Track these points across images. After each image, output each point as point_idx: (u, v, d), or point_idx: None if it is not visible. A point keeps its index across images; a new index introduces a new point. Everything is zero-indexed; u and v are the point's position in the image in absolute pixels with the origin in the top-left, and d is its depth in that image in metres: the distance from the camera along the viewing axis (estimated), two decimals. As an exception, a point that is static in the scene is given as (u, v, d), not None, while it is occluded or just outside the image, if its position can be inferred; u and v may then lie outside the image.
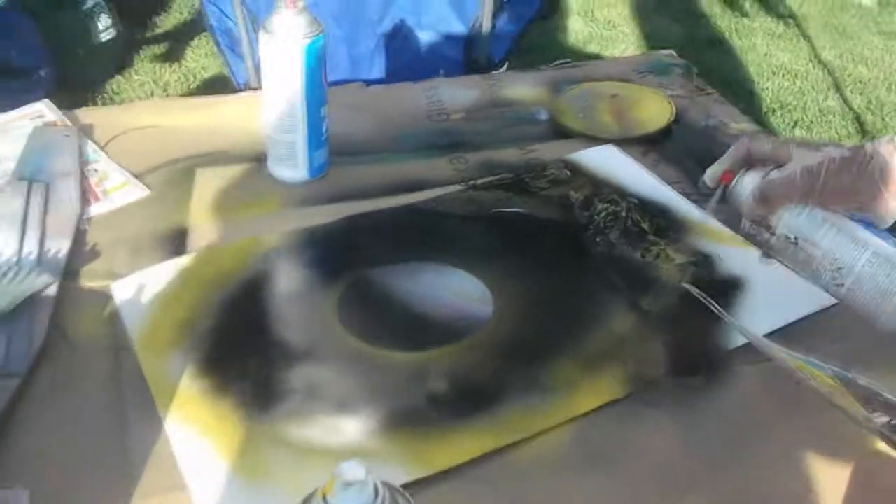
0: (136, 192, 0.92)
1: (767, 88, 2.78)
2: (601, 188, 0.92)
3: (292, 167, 0.94)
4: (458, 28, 1.69)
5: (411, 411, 0.68)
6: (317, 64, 0.88)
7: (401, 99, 1.11)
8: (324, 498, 0.40)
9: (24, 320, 0.73)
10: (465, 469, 0.64)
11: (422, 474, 0.63)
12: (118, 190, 0.92)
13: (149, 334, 0.75)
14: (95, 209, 0.89)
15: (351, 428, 0.67)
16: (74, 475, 0.63)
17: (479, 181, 0.95)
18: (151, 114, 1.06)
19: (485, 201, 0.92)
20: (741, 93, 2.71)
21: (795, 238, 0.75)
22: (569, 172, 0.95)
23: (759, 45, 3.05)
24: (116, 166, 0.95)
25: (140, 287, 0.79)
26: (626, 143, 1.00)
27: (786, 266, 0.78)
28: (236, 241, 0.86)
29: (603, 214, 0.87)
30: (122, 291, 0.79)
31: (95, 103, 2.48)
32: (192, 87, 2.67)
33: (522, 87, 1.13)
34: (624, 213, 0.87)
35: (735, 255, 0.83)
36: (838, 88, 2.79)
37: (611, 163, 0.97)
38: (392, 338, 0.75)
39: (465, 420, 0.68)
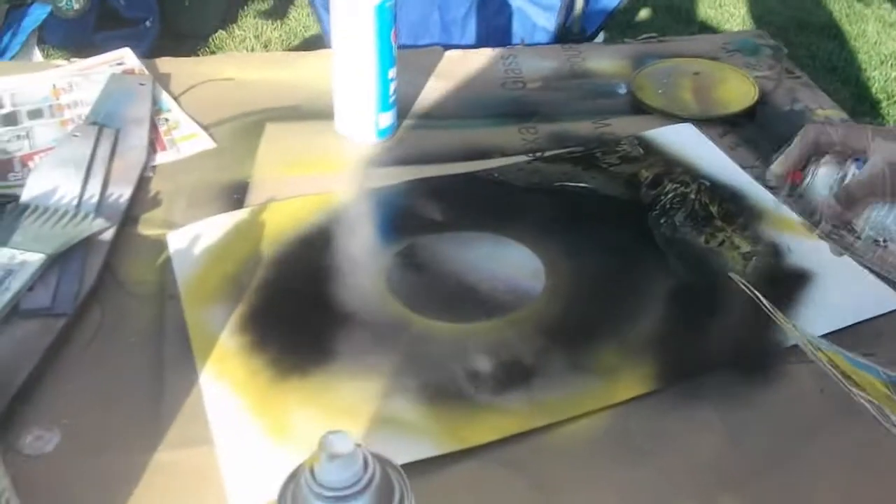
0: (204, 143, 0.92)
1: (874, 77, 2.65)
2: (673, 168, 0.89)
3: (359, 127, 0.93)
4: (553, -5, 1.65)
5: (448, 384, 0.66)
6: (386, 25, 0.87)
7: (478, 66, 1.09)
8: (311, 471, 0.39)
9: (76, 262, 0.74)
10: (494, 449, 0.62)
11: (450, 449, 0.62)
12: (186, 140, 0.93)
13: (196, 285, 0.75)
14: (161, 158, 0.90)
15: (384, 395, 0.66)
16: (107, 419, 0.64)
17: (547, 153, 0.92)
18: (230, 67, 1.07)
19: (550, 174, 0.89)
20: (847, 80, 2.59)
21: (885, 241, 0.70)
22: (642, 150, 0.92)
23: (870, 31, 2.91)
24: (187, 117, 0.96)
25: (194, 238, 0.79)
26: (705, 122, 0.96)
27: (868, 268, 0.73)
28: (293, 197, 0.85)
29: (671, 195, 0.84)
30: (177, 241, 0.79)
31: (197, 56, 2.53)
32: (292, 44, 2.69)
33: (604, 60, 1.10)
34: (693, 196, 0.83)
35: (805, 248, 0.79)
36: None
37: (687, 142, 0.93)
38: (437, 307, 0.73)
39: (501, 397, 0.66)
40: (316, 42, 2.56)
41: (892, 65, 2.71)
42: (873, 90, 2.59)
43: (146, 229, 0.81)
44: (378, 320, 0.72)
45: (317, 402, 0.65)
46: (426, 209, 0.85)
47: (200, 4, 2.62)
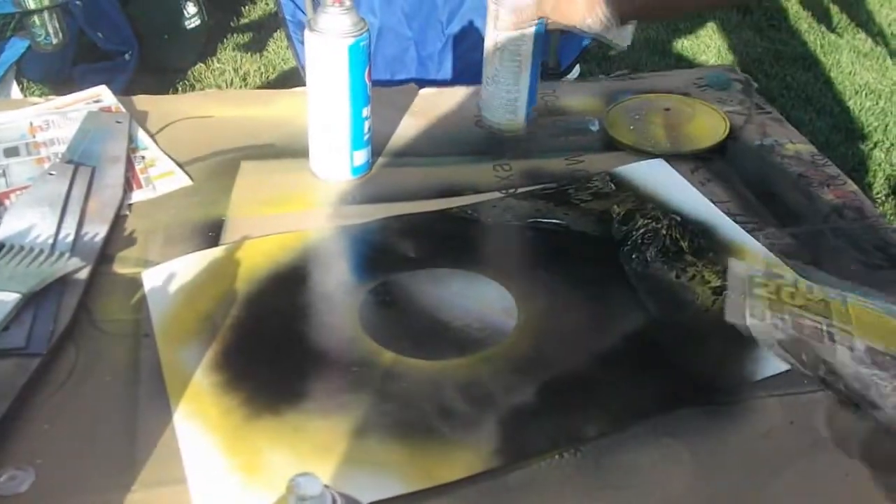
0: (180, 180, 0.93)
1: (849, 107, 2.69)
2: (644, 203, 0.90)
3: (333, 166, 0.94)
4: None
5: (419, 421, 0.67)
6: (360, 64, 0.88)
7: (452, 103, 1.10)
8: (281, 513, 0.40)
9: (51, 302, 0.74)
10: (465, 486, 0.63)
11: (421, 486, 0.63)
12: (163, 178, 0.93)
13: (170, 324, 0.75)
14: (137, 196, 0.90)
15: (355, 433, 0.66)
16: (81, 458, 0.64)
17: (520, 190, 0.93)
18: (208, 104, 1.08)
19: (523, 210, 0.90)
20: (823, 111, 2.63)
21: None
22: (613, 186, 0.93)
23: (843, 62, 2.96)
24: (163, 155, 0.97)
25: (169, 276, 0.80)
26: (676, 158, 0.98)
27: None
28: (268, 236, 0.86)
29: (642, 231, 0.85)
30: (152, 279, 0.80)
31: (176, 90, 2.54)
32: (270, 77, 2.71)
33: (577, 97, 1.11)
34: (664, 231, 0.85)
35: None
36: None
37: (658, 178, 0.95)
38: (410, 344, 0.74)
39: (473, 435, 0.66)
40: (293, 75, 2.57)
41: (866, 94, 2.76)
42: (848, 120, 2.63)
43: (121, 268, 0.81)
44: (351, 358, 0.73)
45: (289, 442, 0.65)
46: (400, 246, 0.86)
47: (179, 38, 2.64)
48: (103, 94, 1.05)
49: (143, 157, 0.96)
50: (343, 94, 0.89)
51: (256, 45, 2.86)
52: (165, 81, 2.54)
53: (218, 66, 2.75)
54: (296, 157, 0.98)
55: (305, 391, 0.70)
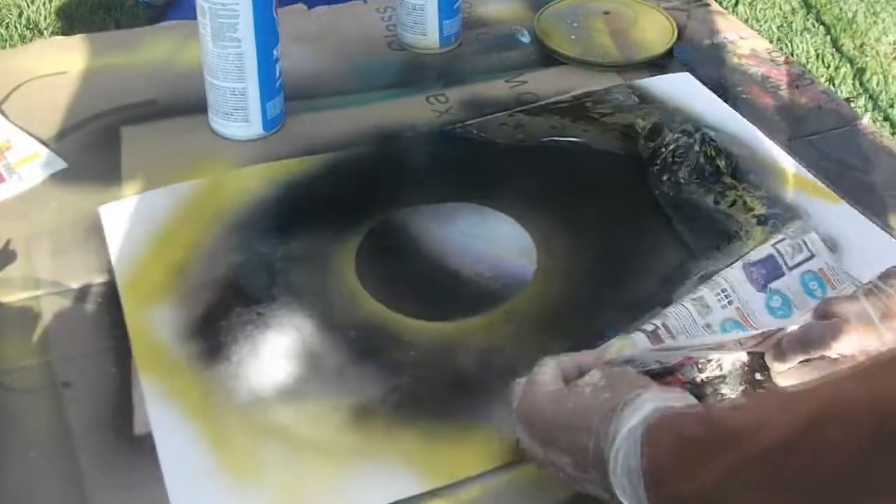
0: (50, 164, 0.74)
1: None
2: (673, 116, 0.79)
3: (242, 122, 0.77)
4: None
5: (432, 400, 0.57)
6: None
7: (352, 23, 0.94)
8: None
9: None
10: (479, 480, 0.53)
11: (437, 484, 0.52)
12: (26, 163, 0.75)
13: (136, 277, 0.64)
14: (1, 192, 0.71)
15: (357, 420, 0.56)
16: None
17: (531, 105, 0.81)
18: (55, 56, 0.87)
19: (536, 128, 0.79)
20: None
21: None
22: (637, 98, 0.82)
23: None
24: (19, 131, 0.77)
25: (132, 215, 0.68)
26: (629, 69, 0.86)
27: None
28: (247, 168, 0.74)
29: (672, 147, 0.74)
30: (112, 215, 0.68)
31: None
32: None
33: (496, 3, 0.97)
34: (696, 148, 0.74)
35: (826, 211, 0.70)
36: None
37: (686, 91, 0.83)
38: (415, 302, 0.63)
39: (493, 416, 0.55)
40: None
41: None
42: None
43: (7, 294, 0.63)
44: (349, 323, 0.62)
45: (281, 433, 0.55)
46: (397, 177, 0.74)
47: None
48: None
49: (-8, 139, 0.76)
50: (249, 32, 0.73)
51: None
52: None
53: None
54: (187, 113, 0.81)
55: (299, 364, 0.59)
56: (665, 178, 0.73)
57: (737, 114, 0.81)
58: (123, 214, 0.69)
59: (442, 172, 0.76)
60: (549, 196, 0.73)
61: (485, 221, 0.70)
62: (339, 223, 0.70)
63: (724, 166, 0.73)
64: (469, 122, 0.79)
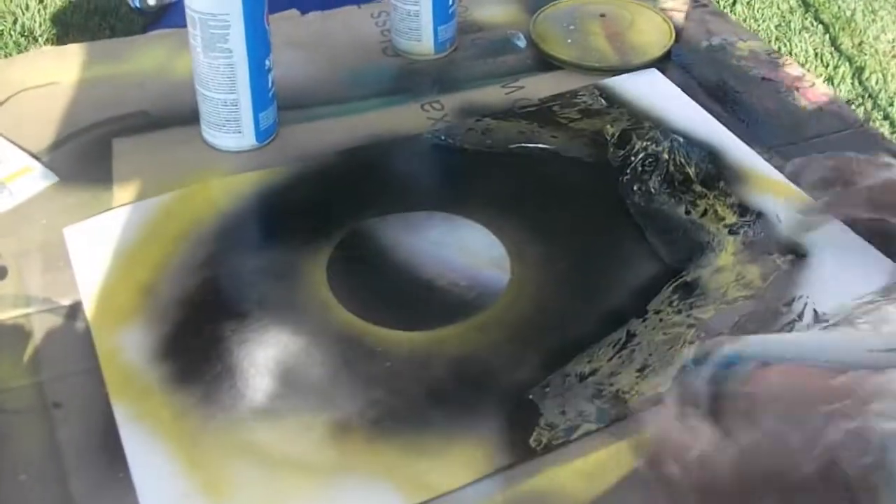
0: (42, 179, 0.73)
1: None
2: (640, 122, 0.78)
3: (235, 133, 0.76)
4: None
5: (408, 412, 0.57)
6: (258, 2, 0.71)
7: (346, 29, 0.93)
8: None
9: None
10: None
11: (418, 500, 0.52)
12: (17, 178, 0.73)
13: (103, 298, 0.63)
14: (-9, 208, 0.70)
15: (335, 435, 0.55)
16: None
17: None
18: (45, 66, 0.86)
19: (504, 134, 0.78)
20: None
21: None
22: (604, 101, 0.81)
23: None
24: (10, 145, 0.76)
25: (96, 234, 0.68)
26: (627, 73, 0.85)
27: None
28: (214, 180, 0.73)
29: (641, 155, 0.73)
30: (76, 238, 0.67)
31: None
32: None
33: (491, 7, 0.96)
34: (666, 155, 0.73)
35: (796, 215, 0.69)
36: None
37: (653, 91, 0.82)
38: (389, 312, 0.63)
39: (474, 423, 0.55)
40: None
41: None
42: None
43: (-1, 312, 0.63)
44: (323, 336, 0.61)
45: (258, 452, 0.54)
46: (367, 185, 0.74)
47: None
48: None
49: (-18, 154, 0.75)
50: (240, 40, 0.72)
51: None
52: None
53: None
54: (179, 124, 0.79)
55: (273, 380, 0.59)
56: (636, 187, 0.72)
57: (703, 111, 0.80)
58: (88, 235, 0.68)
59: (411, 179, 0.75)
60: (522, 205, 0.72)
61: (457, 230, 0.69)
62: (309, 234, 0.69)
63: (694, 174, 0.72)
64: (437, 128, 0.79)
